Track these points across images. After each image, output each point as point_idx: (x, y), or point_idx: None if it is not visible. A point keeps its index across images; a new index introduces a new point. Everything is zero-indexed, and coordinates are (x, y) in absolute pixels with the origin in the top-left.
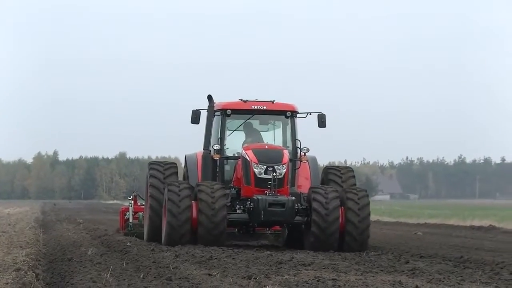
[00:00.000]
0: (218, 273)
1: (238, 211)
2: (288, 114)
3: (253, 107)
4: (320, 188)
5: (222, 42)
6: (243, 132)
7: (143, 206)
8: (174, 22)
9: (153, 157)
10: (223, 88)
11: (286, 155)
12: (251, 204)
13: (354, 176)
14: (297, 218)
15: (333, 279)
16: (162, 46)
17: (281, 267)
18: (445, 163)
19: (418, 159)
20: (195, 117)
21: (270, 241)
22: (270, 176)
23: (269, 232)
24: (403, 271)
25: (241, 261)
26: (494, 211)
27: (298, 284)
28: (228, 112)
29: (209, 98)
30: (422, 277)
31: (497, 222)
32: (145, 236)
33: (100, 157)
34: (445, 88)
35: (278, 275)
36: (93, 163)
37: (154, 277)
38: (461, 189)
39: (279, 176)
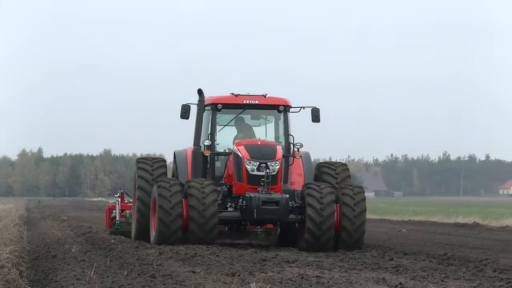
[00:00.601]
0: (202, 270)
1: (229, 209)
2: (281, 108)
3: (244, 101)
4: (314, 184)
5: (213, 35)
6: (234, 127)
7: (130, 204)
8: (159, 15)
9: (138, 154)
10: (213, 83)
11: (280, 151)
12: (244, 201)
13: (348, 173)
14: (291, 216)
15: (317, 276)
16: (147, 41)
17: (265, 264)
18: (430, 160)
19: (402, 156)
20: (185, 112)
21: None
22: (263, 173)
23: (260, 230)
24: (387, 268)
25: (225, 258)
26: (478, 209)
27: (282, 281)
28: (219, 107)
29: (199, 92)
30: (406, 274)
31: (481, 220)
32: (133, 235)
33: (85, 154)
34: (430, 86)
35: (262, 272)
36: (77, 160)
37: (138, 274)
38: (445, 186)
39: (272, 173)
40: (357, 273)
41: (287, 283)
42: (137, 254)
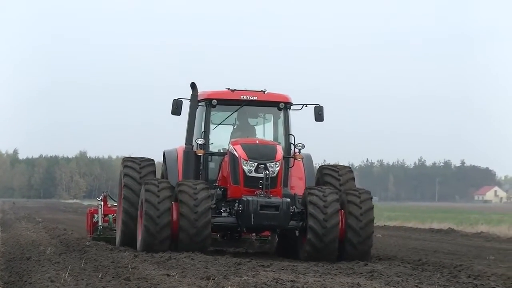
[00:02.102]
0: (176, 273)
1: (223, 214)
2: (281, 105)
3: (242, 97)
4: (317, 189)
5: (205, 26)
6: (230, 125)
7: (114, 208)
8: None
9: (114, 157)
10: (208, 78)
11: (280, 151)
12: (240, 206)
13: (353, 177)
14: (292, 222)
15: (291, 281)
16: (131, 38)
17: (240, 268)
18: (405, 165)
19: (378, 161)
20: (176, 108)
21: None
22: (261, 175)
23: (255, 238)
24: (361, 273)
25: (200, 262)
26: (453, 214)
27: (256, 285)
28: (214, 103)
29: (193, 86)
30: (381, 279)
31: (456, 225)
32: (117, 242)
33: (60, 156)
34: (405, 90)
35: (236, 276)
36: (53, 162)
37: (113, 277)
38: (421, 191)
39: (272, 175)
40: (331, 278)
41: (262, 287)
42: (112, 257)
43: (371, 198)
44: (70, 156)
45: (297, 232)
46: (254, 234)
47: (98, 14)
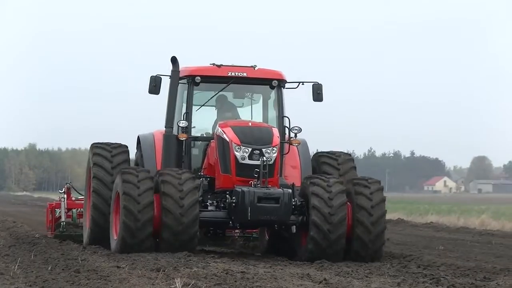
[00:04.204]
0: (126, 265)
1: (209, 208)
2: (274, 83)
3: (229, 74)
4: (320, 179)
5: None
6: (213, 107)
7: (78, 202)
8: None
9: (63, 149)
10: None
11: (276, 134)
12: (233, 198)
13: (355, 166)
14: (291, 217)
15: (242, 272)
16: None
17: (190, 260)
18: (355, 156)
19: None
20: (154, 85)
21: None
22: (257, 162)
23: (238, 235)
24: (311, 264)
25: (150, 253)
26: (403, 205)
27: (206, 276)
28: (197, 80)
29: (173, 60)
30: (331, 270)
31: (405, 216)
32: (85, 240)
33: (9, 148)
34: (355, 82)
35: (187, 267)
36: (1, 154)
37: (62, 269)
38: None
39: (269, 162)
40: (282, 269)
41: (212, 278)
42: (62, 249)
43: (382, 188)
44: (19, 148)
45: (293, 228)
46: (236, 231)
47: None
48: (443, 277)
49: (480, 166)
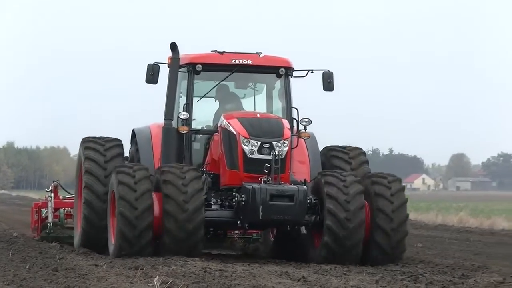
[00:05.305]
0: (104, 264)
1: (213, 207)
2: (281, 71)
3: (233, 61)
4: (335, 176)
5: None
6: (212, 98)
7: (66, 201)
8: None
9: (42, 147)
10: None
11: (287, 127)
12: (242, 196)
13: (367, 161)
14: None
15: (220, 270)
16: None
17: (169, 258)
18: None
19: None
20: (152, 74)
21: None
22: (268, 157)
23: (238, 236)
24: (290, 262)
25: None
26: None
27: (185, 274)
28: (198, 68)
29: (173, 47)
30: (309, 268)
31: None
32: (76, 242)
33: None
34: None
35: (165, 265)
36: None
37: (40, 268)
38: None
39: (281, 157)
40: (260, 267)
41: (190, 276)
42: (40, 248)
43: (403, 188)
44: None
45: (303, 229)
46: (236, 232)
47: None
48: (421, 275)
49: (459, 164)
